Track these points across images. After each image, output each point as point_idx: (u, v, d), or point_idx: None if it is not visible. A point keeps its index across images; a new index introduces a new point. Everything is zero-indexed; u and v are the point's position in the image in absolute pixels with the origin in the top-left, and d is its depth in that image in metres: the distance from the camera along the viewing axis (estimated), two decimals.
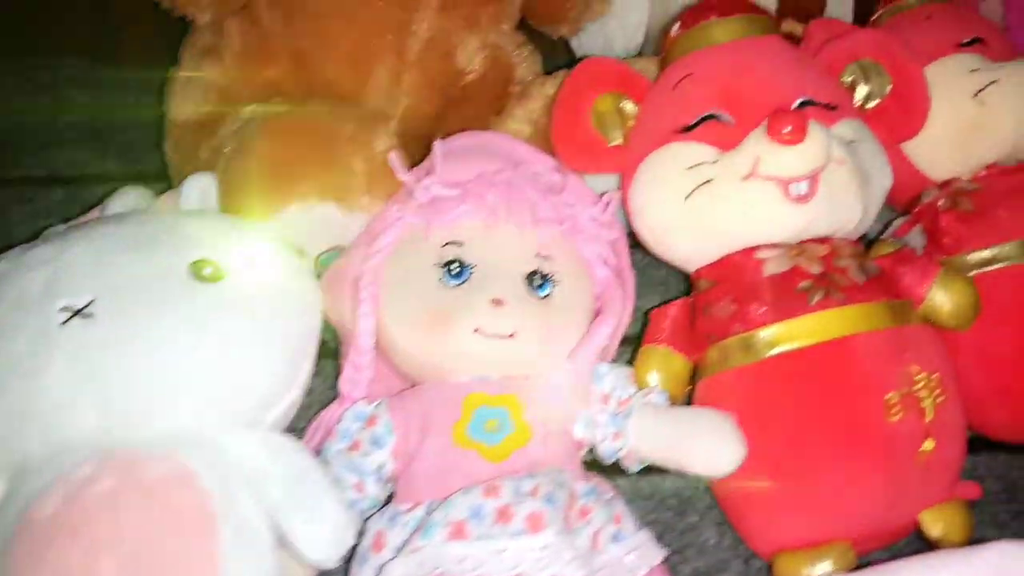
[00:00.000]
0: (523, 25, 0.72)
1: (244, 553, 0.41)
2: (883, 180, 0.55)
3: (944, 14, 0.63)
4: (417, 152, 0.60)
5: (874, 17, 0.68)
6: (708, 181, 0.52)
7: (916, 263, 0.55)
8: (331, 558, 0.44)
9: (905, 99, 0.58)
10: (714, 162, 0.52)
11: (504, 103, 0.67)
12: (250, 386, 0.48)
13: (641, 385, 0.53)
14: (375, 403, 0.51)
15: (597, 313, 0.54)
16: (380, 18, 0.64)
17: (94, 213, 0.58)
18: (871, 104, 0.58)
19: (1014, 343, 0.54)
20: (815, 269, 0.51)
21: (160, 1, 0.63)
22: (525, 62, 0.72)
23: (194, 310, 0.46)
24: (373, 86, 0.65)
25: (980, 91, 0.58)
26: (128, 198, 0.57)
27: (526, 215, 0.53)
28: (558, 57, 0.77)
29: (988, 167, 0.59)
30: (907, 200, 0.62)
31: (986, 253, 0.56)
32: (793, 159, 0.50)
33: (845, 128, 0.54)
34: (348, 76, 0.64)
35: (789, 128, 0.49)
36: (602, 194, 0.57)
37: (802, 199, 0.51)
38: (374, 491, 0.49)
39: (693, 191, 0.52)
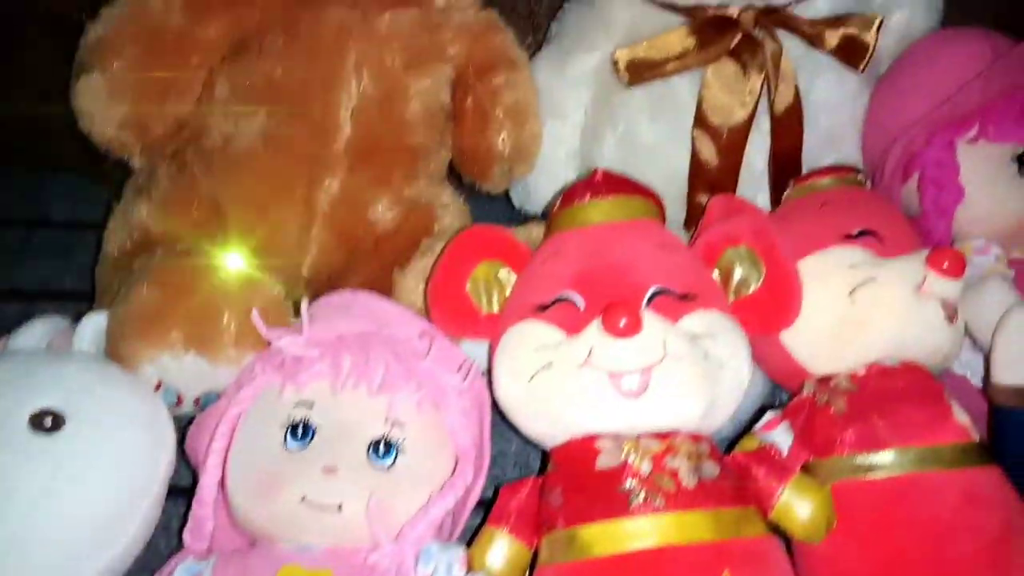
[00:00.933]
0: None
1: None
2: (739, 374, 0.53)
3: (841, 202, 0.62)
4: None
5: (785, 193, 0.67)
6: (549, 364, 0.52)
7: (771, 466, 0.53)
8: None
9: (776, 291, 0.57)
10: (557, 346, 0.52)
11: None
12: (78, 532, 0.49)
13: (478, 567, 0.52)
14: (206, 560, 0.51)
15: None
16: (292, 173, 0.67)
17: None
18: (745, 292, 0.57)
19: (874, 563, 0.51)
20: (644, 468, 0.49)
21: (97, 145, 0.69)
22: (449, 214, 0.74)
23: (27, 462, 0.48)
24: (283, 237, 0.68)
25: (855, 289, 0.56)
26: (36, 329, 0.61)
27: (377, 381, 0.54)
28: None
29: (868, 366, 0.56)
30: (796, 389, 0.60)
31: (855, 460, 0.53)
32: (624, 353, 0.50)
33: (697, 320, 0.53)
34: (260, 226, 0.67)
35: (623, 321, 0.49)
36: (462, 364, 0.57)
37: (633, 394, 0.50)
38: None
39: (536, 373, 0.52)
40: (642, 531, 0.47)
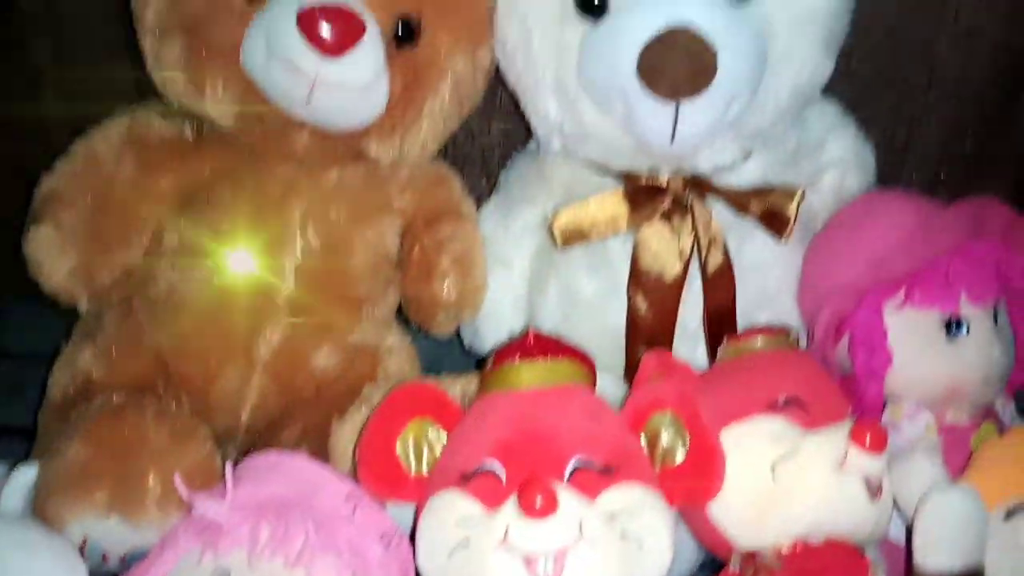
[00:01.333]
0: None
1: None
2: (660, 555, 0.52)
3: (769, 367, 0.63)
4: (260, 449, 0.62)
5: (718, 353, 0.68)
6: (467, 541, 0.51)
7: None
8: None
9: (699, 462, 0.56)
10: (476, 521, 0.52)
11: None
12: None
13: None
14: None
15: None
16: (232, 322, 0.68)
17: None
18: (671, 461, 0.57)
19: None
20: None
21: (46, 291, 0.70)
22: (395, 358, 0.75)
23: None
24: (222, 385, 0.69)
25: (776, 463, 0.56)
26: None
27: (295, 551, 0.53)
28: None
29: (793, 543, 0.56)
30: (726, 560, 0.59)
31: None
32: (539, 534, 0.49)
33: (617, 497, 0.52)
34: (199, 374, 0.68)
35: (538, 501, 0.49)
36: (387, 532, 0.57)
37: None
38: None
39: (454, 550, 0.52)
40: None
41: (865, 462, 0.55)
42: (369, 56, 0.61)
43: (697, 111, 0.57)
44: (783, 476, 0.56)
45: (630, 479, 0.55)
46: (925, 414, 0.67)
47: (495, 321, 0.78)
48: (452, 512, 0.54)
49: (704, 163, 0.66)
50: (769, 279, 0.71)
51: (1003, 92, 0.86)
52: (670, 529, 0.54)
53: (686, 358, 0.71)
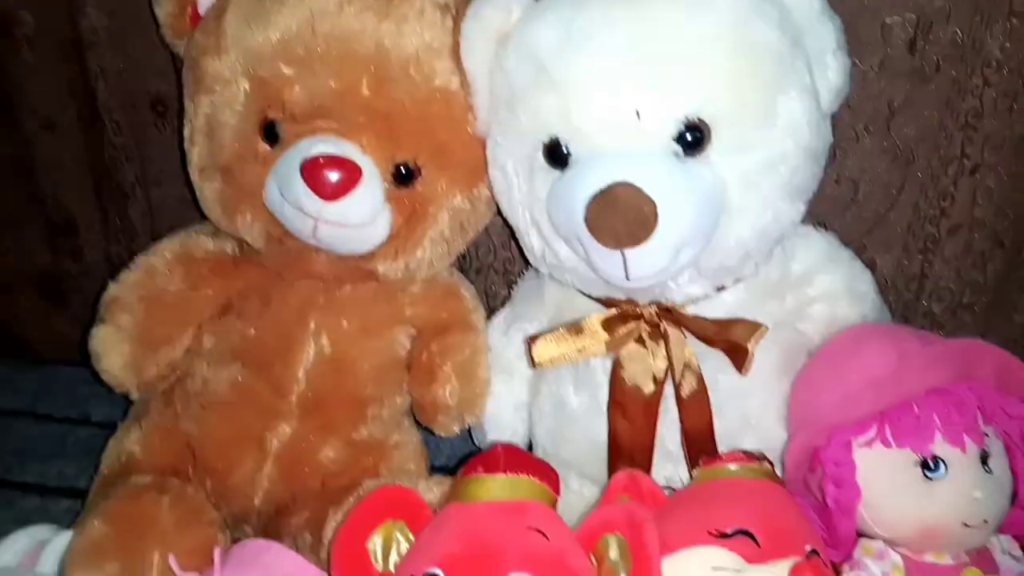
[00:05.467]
0: None
1: None
2: None
3: (729, 495, 0.64)
4: (272, 531, 0.70)
5: (692, 477, 0.70)
6: None
7: None
8: None
9: None
10: None
11: None
12: None
13: None
14: None
15: None
16: (251, 418, 0.77)
17: None
18: None
19: None
20: None
21: (103, 378, 0.81)
22: (400, 453, 0.81)
23: None
24: (239, 472, 0.77)
25: None
26: (19, 542, 0.71)
27: None
28: None
29: None
30: None
31: None
32: None
33: None
34: (220, 461, 0.77)
35: None
36: None
37: None
38: None
39: None
40: None
41: None
42: (366, 198, 0.69)
43: (643, 257, 0.61)
44: None
45: None
46: (893, 556, 0.66)
47: (498, 425, 0.83)
48: None
49: (675, 295, 0.70)
50: (750, 405, 0.73)
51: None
52: None
53: (668, 477, 0.74)
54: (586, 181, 0.60)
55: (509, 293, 0.93)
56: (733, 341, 0.68)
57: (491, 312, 0.87)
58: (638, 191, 0.59)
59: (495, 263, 0.95)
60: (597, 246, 0.61)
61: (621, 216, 0.59)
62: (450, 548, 0.61)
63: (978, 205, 0.84)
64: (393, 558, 0.64)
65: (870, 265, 0.80)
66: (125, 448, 0.80)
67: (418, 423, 0.85)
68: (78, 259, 1.04)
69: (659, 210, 0.59)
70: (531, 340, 0.73)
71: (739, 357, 0.68)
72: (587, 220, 0.60)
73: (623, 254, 0.61)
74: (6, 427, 1.02)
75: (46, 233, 1.05)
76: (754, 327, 0.68)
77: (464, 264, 0.94)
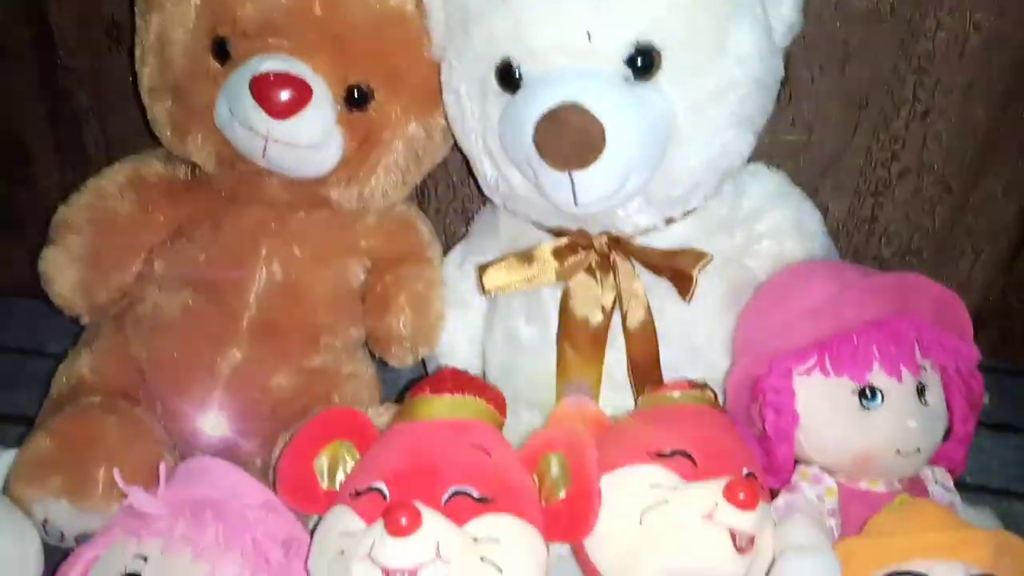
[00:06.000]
0: None
1: None
2: None
3: (670, 419, 0.66)
4: (222, 457, 0.70)
5: (637, 405, 0.72)
6: (342, 553, 0.57)
7: None
8: None
9: (575, 505, 0.60)
10: (354, 534, 0.57)
11: None
12: None
13: None
14: None
15: None
16: (200, 342, 0.76)
17: None
18: (554, 499, 0.61)
19: None
20: None
21: (53, 301, 0.81)
22: (353, 385, 0.82)
23: None
24: (188, 399, 0.76)
25: (646, 510, 0.59)
26: None
27: (202, 547, 0.60)
28: None
29: None
30: None
31: None
32: (396, 550, 0.54)
33: (485, 524, 0.57)
34: (170, 385, 0.77)
35: (402, 520, 0.54)
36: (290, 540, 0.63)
37: None
38: None
39: (332, 559, 0.57)
40: None
41: (733, 516, 0.58)
42: (316, 118, 0.68)
43: (591, 180, 0.61)
44: (650, 522, 0.59)
45: (504, 511, 0.59)
46: (828, 480, 0.68)
47: (452, 358, 0.84)
48: (338, 525, 0.59)
49: (625, 225, 0.70)
50: (696, 336, 0.74)
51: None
52: (535, 560, 0.58)
53: (614, 406, 0.75)
54: (535, 102, 0.60)
55: (467, 231, 0.93)
56: (679, 269, 0.68)
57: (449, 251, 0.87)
58: (586, 112, 0.59)
59: (454, 202, 0.95)
60: (546, 168, 0.61)
61: (568, 137, 0.59)
62: (393, 463, 0.62)
63: (928, 149, 0.85)
64: (339, 477, 0.65)
65: (823, 209, 0.81)
66: (75, 371, 0.79)
67: (373, 356, 0.85)
68: (31, 188, 1.02)
69: (607, 132, 0.59)
70: (482, 268, 0.73)
71: (684, 284, 0.69)
72: (535, 141, 0.60)
73: (571, 177, 0.61)
74: None
75: None
76: (700, 255, 0.68)
77: (423, 203, 0.94)
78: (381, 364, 0.85)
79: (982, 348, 0.71)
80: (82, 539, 0.67)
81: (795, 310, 0.69)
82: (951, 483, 0.73)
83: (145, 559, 0.60)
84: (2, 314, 1.08)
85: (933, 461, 0.73)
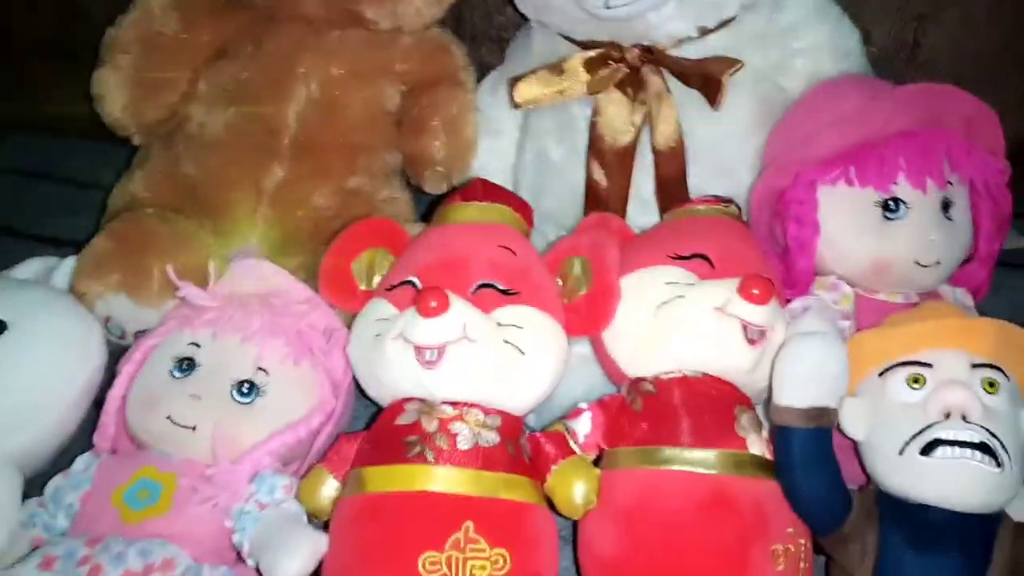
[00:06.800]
0: None
1: None
2: (538, 364, 0.61)
3: (691, 227, 0.68)
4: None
5: (663, 219, 0.74)
6: (379, 335, 0.61)
7: (559, 446, 0.60)
8: None
9: (595, 300, 0.63)
10: (388, 320, 0.62)
11: None
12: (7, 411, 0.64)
13: (304, 497, 0.62)
14: (97, 457, 0.65)
15: None
16: (246, 160, 0.80)
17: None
18: (575, 297, 0.65)
19: (622, 544, 0.57)
20: (430, 428, 0.58)
21: (105, 122, 0.85)
22: (391, 208, 0.85)
23: None
24: (234, 213, 0.80)
25: (663, 304, 0.62)
26: (32, 265, 0.77)
27: (251, 332, 0.65)
28: None
29: (672, 374, 0.61)
30: None
31: (637, 452, 0.59)
32: (424, 329, 0.58)
33: (510, 313, 0.61)
34: (217, 201, 0.81)
35: (432, 303, 0.58)
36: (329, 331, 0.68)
37: (431, 365, 0.58)
38: (61, 521, 0.62)
39: (370, 343, 0.62)
40: (407, 477, 0.56)
41: (745, 309, 0.60)
42: None
43: None
44: (665, 314, 0.62)
45: (528, 303, 0.62)
46: (845, 287, 0.69)
47: None
48: (374, 314, 0.64)
49: (657, 34, 0.70)
50: (725, 154, 0.75)
51: None
52: (555, 347, 0.62)
53: (640, 225, 0.77)
54: None
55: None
56: (709, 75, 0.69)
57: None
58: None
59: (490, 30, 0.95)
60: None
61: None
62: (425, 259, 0.65)
63: None
64: (375, 280, 0.70)
65: (863, 33, 0.79)
66: (129, 190, 0.84)
67: (408, 185, 0.88)
68: (87, 21, 1.04)
69: None
70: (513, 81, 0.75)
71: (713, 91, 0.69)
72: None
73: None
74: (31, 187, 1.09)
75: None
76: (731, 62, 0.68)
77: (459, 30, 0.94)
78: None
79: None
80: (140, 336, 0.73)
81: (823, 119, 0.69)
82: (971, 302, 0.74)
83: (198, 345, 0.65)
84: (65, 152, 1.13)
85: (956, 281, 0.74)
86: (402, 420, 0.59)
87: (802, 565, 0.57)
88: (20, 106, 1.15)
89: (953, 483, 0.54)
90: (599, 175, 0.76)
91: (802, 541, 0.58)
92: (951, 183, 0.69)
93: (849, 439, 0.60)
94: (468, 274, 0.63)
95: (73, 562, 0.55)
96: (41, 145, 1.14)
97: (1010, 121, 0.73)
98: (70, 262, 0.75)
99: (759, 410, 0.62)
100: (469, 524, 0.54)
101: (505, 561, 0.54)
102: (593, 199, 0.77)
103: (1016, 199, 0.73)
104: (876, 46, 0.86)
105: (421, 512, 0.55)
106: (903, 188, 0.68)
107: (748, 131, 0.75)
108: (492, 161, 0.85)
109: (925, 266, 0.69)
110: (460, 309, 0.59)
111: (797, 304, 0.67)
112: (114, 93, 0.81)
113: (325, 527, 0.60)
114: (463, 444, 0.58)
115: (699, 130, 0.73)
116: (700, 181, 0.75)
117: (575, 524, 0.61)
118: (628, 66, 0.72)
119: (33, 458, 0.66)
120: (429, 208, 0.74)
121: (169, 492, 0.60)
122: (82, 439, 0.68)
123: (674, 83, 0.73)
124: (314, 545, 0.57)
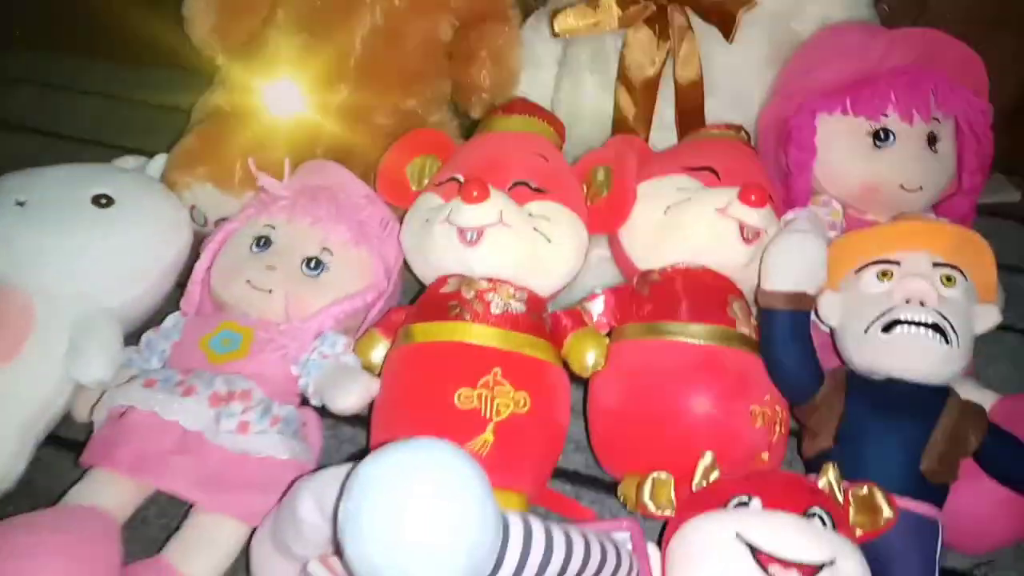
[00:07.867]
0: None
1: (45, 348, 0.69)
2: (562, 250, 0.71)
3: (704, 147, 0.78)
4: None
5: (686, 138, 0.84)
6: (428, 221, 0.72)
7: (575, 320, 0.71)
8: (98, 377, 0.70)
9: (614, 202, 0.73)
10: (436, 208, 0.72)
11: None
12: (113, 272, 0.75)
13: (360, 352, 0.73)
14: (186, 316, 0.77)
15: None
16: (313, 75, 0.91)
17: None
18: (597, 198, 0.75)
19: (625, 396, 0.67)
20: (468, 296, 0.69)
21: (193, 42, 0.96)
22: (439, 129, 0.96)
23: (83, 222, 0.75)
24: (302, 128, 0.92)
25: (671, 205, 0.72)
26: (128, 160, 0.89)
27: (319, 217, 0.77)
28: None
29: (676, 266, 0.72)
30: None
31: (642, 327, 0.70)
32: (467, 213, 0.68)
33: (540, 206, 0.71)
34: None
35: (473, 192, 0.68)
36: (385, 220, 0.79)
37: (470, 244, 0.69)
38: (155, 364, 0.74)
39: (420, 227, 0.73)
40: (448, 330, 0.67)
41: (742, 211, 0.70)
42: None
43: None
44: (672, 214, 0.72)
45: (556, 200, 0.73)
46: (835, 204, 0.79)
47: None
48: (424, 204, 0.75)
49: None
50: (740, 86, 0.84)
51: None
52: (576, 238, 0.73)
53: (662, 147, 0.86)
54: None
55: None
56: (725, 10, 0.78)
57: None
58: None
59: None
60: None
61: None
62: (468, 160, 0.76)
63: None
64: (425, 182, 0.80)
65: None
66: (211, 103, 0.95)
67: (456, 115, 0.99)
68: None
69: None
70: (554, 13, 0.84)
71: (727, 25, 0.78)
72: None
73: None
74: (114, 108, 1.23)
75: None
76: (745, 0, 0.78)
77: None
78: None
79: None
80: (220, 223, 0.84)
81: (826, 53, 0.79)
82: None
83: (274, 227, 0.77)
84: (146, 80, 1.26)
85: (940, 211, 0.83)
86: (445, 289, 0.70)
87: (778, 429, 0.67)
88: (108, 38, 1.27)
89: (907, 355, 0.64)
90: (626, 104, 0.86)
91: (778, 408, 0.68)
92: (937, 119, 0.78)
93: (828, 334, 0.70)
94: (506, 172, 0.73)
95: (171, 384, 0.67)
96: (126, 72, 1.28)
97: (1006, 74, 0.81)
98: (160, 159, 0.87)
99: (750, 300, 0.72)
100: (498, 369, 0.65)
101: (526, 402, 0.65)
102: (621, 124, 0.87)
103: (1013, 154, 0.82)
104: (887, 3, 0.94)
105: (458, 357, 0.66)
106: (892, 120, 0.77)
107: (762, 66, 0.84)
108: (533, 90, 0.95)
109: (909, 191, 0.78)
110: (497, 199, 0.69)
111: (790, 213, 0.77)
112: (202, 16, 0.92)
113: None
114: (495, 309, 0.68)
115: (718, 60, 0.83)
116: (717, 110, 0.84)
117: (584, 397, 0.72)
118: (656, 4, 0.82)
119: (130, 315, 0.79)
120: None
121: (248, 341, 0.72)
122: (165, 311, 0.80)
123: (696, 22, 0.82)
124: (367, 385, 0.68)
